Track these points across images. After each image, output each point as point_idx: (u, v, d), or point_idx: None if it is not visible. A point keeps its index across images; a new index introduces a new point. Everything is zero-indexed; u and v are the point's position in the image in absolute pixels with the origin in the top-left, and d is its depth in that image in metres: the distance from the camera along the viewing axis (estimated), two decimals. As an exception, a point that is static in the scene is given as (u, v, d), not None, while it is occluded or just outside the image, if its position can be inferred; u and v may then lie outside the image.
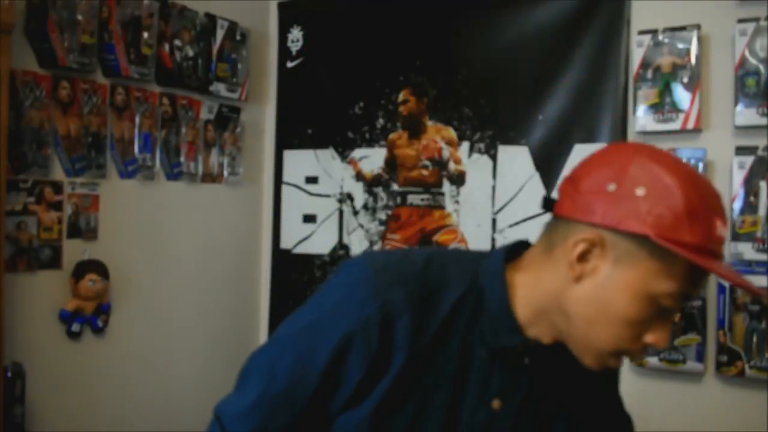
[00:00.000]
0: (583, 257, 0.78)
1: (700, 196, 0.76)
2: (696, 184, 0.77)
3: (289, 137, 2.61)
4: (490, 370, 0.85)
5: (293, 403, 0.84)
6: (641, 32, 1.92)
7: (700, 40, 1.85)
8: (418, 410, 0.84)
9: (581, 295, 0.79)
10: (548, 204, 0.85)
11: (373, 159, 2.41)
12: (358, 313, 0.81)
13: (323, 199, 2.52)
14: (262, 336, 2.65)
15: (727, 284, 1.79)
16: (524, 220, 2.11)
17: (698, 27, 1.85)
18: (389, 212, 2.38)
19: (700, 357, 1.83)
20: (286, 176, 2.61)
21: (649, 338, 0.80)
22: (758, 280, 1.76)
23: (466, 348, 0.84)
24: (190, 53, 2.29)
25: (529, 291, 0.84)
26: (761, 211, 1.76)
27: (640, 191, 0.75)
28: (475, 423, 0.85)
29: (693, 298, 0.82)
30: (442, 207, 2.27)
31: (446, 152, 2.25)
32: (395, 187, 2.37)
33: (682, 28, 1.87)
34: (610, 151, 0.86)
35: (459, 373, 0.84)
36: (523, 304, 0.84)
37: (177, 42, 2.24)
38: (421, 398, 0.84)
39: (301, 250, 2.56)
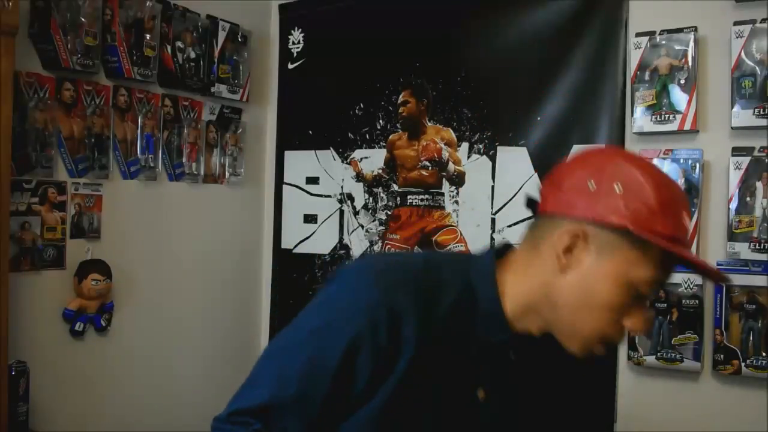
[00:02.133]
0: (568, 249, 0.86)
1: (669, 192, 0.85)
2: (665, 181, 0.86)
3: (290, 138, 2.62)
4: (478, 363, 0.91)
5: (306, 406, 0.85)
6: (639, 34, 1.94)
7: (697, 42, 1.86)
8: (422, 404, 0.87)
9: (567, 285, 0.86)
10: (531, 204, 0.93)
11: (373, 159, 2.43)
12: (367, 314, 0.84)
13: (324, 199, 2.54)
14: (264, 334, 2.66)
15: (724, 285, 1.81)
16: (523, 220, 2.12)
17: (695, 29, 1.87)
18: (389, 212, 2.39)
19: (697, 356, 1.84)
20: (287, 177, 2.63)
21: (628, 323, 0.87)
22: (756, 280, 1.78)
23: (460, 344, 0.89)
24: (192, 55, 2.31)
25: (517, 288, 0.91)
26: (757, 212, 1.78)
27: (617, 188, 0.83)
28: (464, 413, 0.91)
29: (664, 286, 0.90)
30: (441, 207, 2.29)
31: (446, 153, 2.27)
32: (395, 187, 2.39)
33: (679, 30, 1.89)
34: (588, 155, 0.94)
35: (454, 367, 0.89)
36: (512, 301, 0.91)
37: (179, 44, 2.26)
38: (425, 392, 0.87)
39: (301, 249, 2.58)
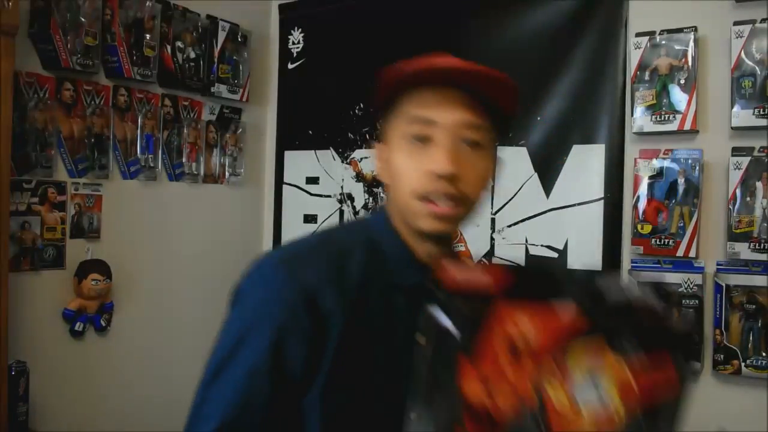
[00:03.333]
0: (382, 159, 0.95)
1: (408, 60, 0.93)
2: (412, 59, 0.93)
3: (289, 138, 2.63)
4: (410, 311, 0.90)
5: (256, 413, 0.84)
6: (639, 34, 1.94)
7: (696, 42, 1.86)
8: (368, 364, 0.87)
9: (387, 184, 0.94)
10: None
11: (373, 159, 2.42)
12: (281, 303, 0.84)
13: (324, 199, 2.54)
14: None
15: (723, 284, 1.81)
16: (523, 220, 2.13)
17: (695, 29, 1.87)
18: (389, 212, 2.39)
19: (697, 356, 1.84)
20: (287, 177, 2.63)
21: (428, 166, 0.88)
22: (756, 280, 1.78)
23: (385, 299, 0.90)
24: (192, 55, 2.31)
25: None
26: (757, 212, 1.78)
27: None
28: (400, 357, 0.89)
29: (442, 123, 0.90)
30: (441, 207, 2.28)
31: (446, 153, 2.26)
32: (395, 187, 2.38)
33: (679, 30, 1.89)
34: None
35: (387, 323, 0.90)
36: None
37: (179, 44, 2.26)
38: (367, 353, 0.87)
39: (301, 250, 2.58)
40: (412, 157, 0.89)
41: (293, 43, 2.62)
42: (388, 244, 0.93)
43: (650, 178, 1.91)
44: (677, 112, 1.88)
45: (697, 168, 1.85)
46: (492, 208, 2.19)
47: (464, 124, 0.90)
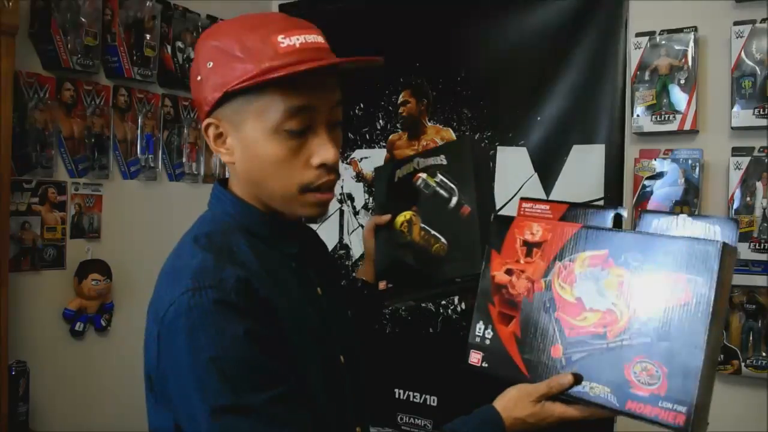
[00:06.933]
0: (219, 139, 0.91)
1: (251, 30, 0.85)
2: (244, 24, 0.87)
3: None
4: (302, 270, 0.97)
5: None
6: (639, 34, 1.94)
7: (696, 42, 1.86)
8: (296, 328, 0.89)
9: (242, 168, 0.91)
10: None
11: (373, 160, 2.42)
12: (234, 306, 0.82)
13: (324, 199, 2.53)
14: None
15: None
16: (523, 221, 2.13)
17: (695, 29, 1.87)
18: (389, 212, 2.39)
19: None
20: (287, 177, 2.62)
21: (316, 159, 0.88)
22: (756, 280, 1.78)
23: (279, 267, 0.93)
24: (192, 55, 2.31)
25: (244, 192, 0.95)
26: (757, 212, 1.78)
27: (209, 65, 0.87)
28: (318, 312, 0.96)
29: (320, 109, 0.87)
30: (441, 207, 2.28)
31: (446, 153, 2.26)
32: (395, 187, 2.38)
33: (679, 30, 1.89)
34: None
35: (294, 286, 0.93)
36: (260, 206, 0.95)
37: (179, 44, 2.26)
38: (292, 319, 0.88)
39: (301, 250, 2.58)
40: (292, 150, 0.87)
41: (293, 43, 2.62)
42: (255, 225, 0.94)
43: (650, 178, 1.91)
44: (677, 112, 1.88)
45: (697, 168, 1.85)
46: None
47: (334, 105, 0.89)
